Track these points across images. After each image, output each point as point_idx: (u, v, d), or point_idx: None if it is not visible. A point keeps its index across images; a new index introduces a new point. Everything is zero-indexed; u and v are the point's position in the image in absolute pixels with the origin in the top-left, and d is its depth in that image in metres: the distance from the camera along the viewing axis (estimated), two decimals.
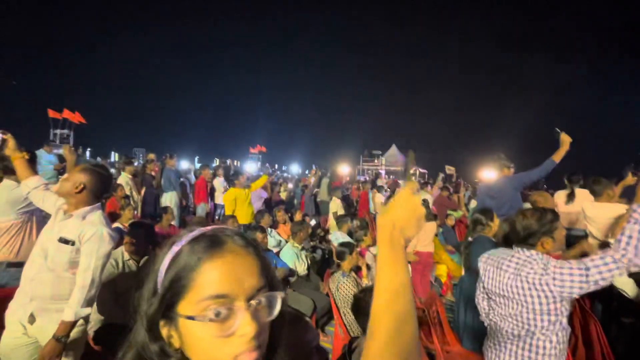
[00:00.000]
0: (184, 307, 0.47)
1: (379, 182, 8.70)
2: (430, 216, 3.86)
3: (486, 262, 1.82)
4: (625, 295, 2.46)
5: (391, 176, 16.62)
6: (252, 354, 0.46)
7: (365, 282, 3.00)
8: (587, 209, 2.86)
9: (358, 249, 3.67)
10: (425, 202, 3.99)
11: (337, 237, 4.26)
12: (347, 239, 3.99)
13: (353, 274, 2.89)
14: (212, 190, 6.64)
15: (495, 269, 1.72)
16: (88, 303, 1.60)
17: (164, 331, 0.50)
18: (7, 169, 2.39)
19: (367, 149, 24.14)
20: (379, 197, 7.39)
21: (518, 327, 1.57)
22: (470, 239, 2.90)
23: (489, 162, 3.25)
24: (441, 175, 6.96)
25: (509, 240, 1.98)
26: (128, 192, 5.52)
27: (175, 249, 0.51)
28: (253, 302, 0.48)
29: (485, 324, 1.88)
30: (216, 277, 0.47)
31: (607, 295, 2.89)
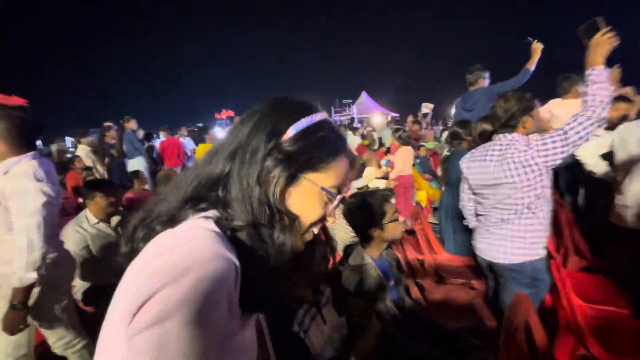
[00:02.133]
0: (316, 178, 0.55)
1: (354, 125, 8.60)
2: (406, 142, 3.88)
3: (468, 161, 1.84)
4: (594, 175, 2.62)
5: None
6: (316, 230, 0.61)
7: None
8: (554, 107, 2.93)
9: None
10: (397, 130, 3.99)
11: None
12: None
13: None
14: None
15: (479, 163, 1.74)
16: (33, 267, 1.41)
17: (272, 179, 0.53)
18: None
19: (337, 99, 23.73)
20: (355, 139, 7.35)
21: (507, 211, 1.64)
22: (447, 153, 2.94)
23: (466, 74, 3.17)
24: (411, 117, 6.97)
25: (486, 135, 1.99)
26: (90, 164, 5.15)
27: (316, 118, 0.57)
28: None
29: (472, 225, 1.95)
30: (341, 173, 0.58)
31: (575, 187, 3.10)
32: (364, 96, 22.96)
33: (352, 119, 10.37)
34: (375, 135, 8.31)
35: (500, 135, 1.66)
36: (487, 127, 2.04)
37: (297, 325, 0.98)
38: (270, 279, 0.51)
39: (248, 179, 0.52)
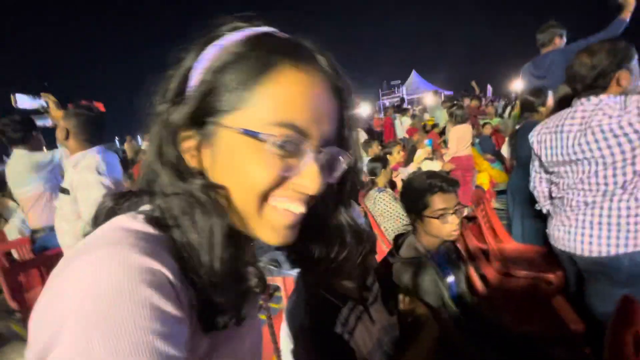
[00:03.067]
0: (234, 120, 0.36)
1: (404, 106, 8.13)
2: (462, 118, 3.47)
3: (540, 134, 1.54)
4: None
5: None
6: (301, 207, 0.39)
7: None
8: None
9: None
10: (458, 104, 3.58)
11: (364, 161, 4.05)
12: None
13: (389, 189, 2.71)
14: None
15: (554, 135, 1.44)
16: None
17: (186, 145, 0.38)
18: (11, 140, 2.34)
19: (385, 80, 22.79)
20: (405, 120, 6.94)
21: (592, 192, 1.33)
22: (517, 127, 2.55)
23: (537, 34, 2.65)
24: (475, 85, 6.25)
25: (567, 101, 1.65)
26: None
27: (225, 42, 0.37)
28: (323, 152, 0.39)
29: (545, 210, 1.66)
30: (295, 96, 0.36)
31: None
32: (413, 75, 21.76)
33: (402, 100, 9.82)
34: (427, 116, 7.76)
35: (583, 99, 1.34)
36: (569, 91, 1.68)
37: (341, 325, 0.87)
38: (212, 282, 0.35)
39: (148, 153, 0.40)
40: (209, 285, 0.35)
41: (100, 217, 0.40)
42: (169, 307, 0.30)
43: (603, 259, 1.33)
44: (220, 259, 0.35)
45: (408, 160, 4.39)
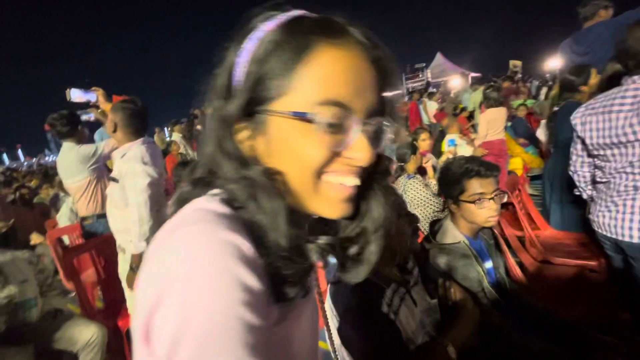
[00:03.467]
0: (282, 105, 0.38)
1: (430, 90, 7.87)
2: (497, 101, 3.32)
3: (584, 114, 1.47)
4: None
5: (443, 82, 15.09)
6: (355, 179, 0.41)
7: (433, 182, 2.78)
8: None
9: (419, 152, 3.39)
10: (494, 86, 3.42)
11: (392, 147, 3.98)
12: None
13: (419, 175, 2.67)
14: None
15: (601, 116, 1.37)
16: (144, 237, 1.64)
17: (241, 135, 0.41)
18: (61, 134, 2.50)
19: (408, 64, 22.03)
20: (431, 105, 6.74)
21: None
22: (555, 108, 2.42)
23: (579, 7, 2.45)
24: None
25: (617, 80, 1.55)
26: (182, 150, 5.78)
27: (261, 33, 0.39)
28: (368, 123, 0.40)
29: (586, 195, 1.59)
30: (335, 73, 0.37)
31: None
32: (439, 57, 20.83)
33: (428, 84, 9.50)
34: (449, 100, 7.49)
35: (636, 77, 1.26)
36: (620, 69, 1.57)
37: (387, 306, 0.89)
38: (281, 257, 0.38)
39: (209, 146, 0.42)
40: (278, 259, 0.38)
41: (181, 200, 0.42)
42: (253, 278, 0.33)
43: None
44: (285, 237, 0.38)
45: (436, 146, 4.28)
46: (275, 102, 0.38)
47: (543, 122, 3.59)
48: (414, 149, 2.68)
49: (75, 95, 2.19)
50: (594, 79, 2.12)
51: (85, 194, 2.58)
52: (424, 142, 3.30)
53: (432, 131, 5.04)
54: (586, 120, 1.45)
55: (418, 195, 2.53)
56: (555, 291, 1.68)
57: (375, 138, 0.41)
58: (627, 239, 1.35)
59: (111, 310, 2.11)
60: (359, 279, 0.46)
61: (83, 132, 2.64)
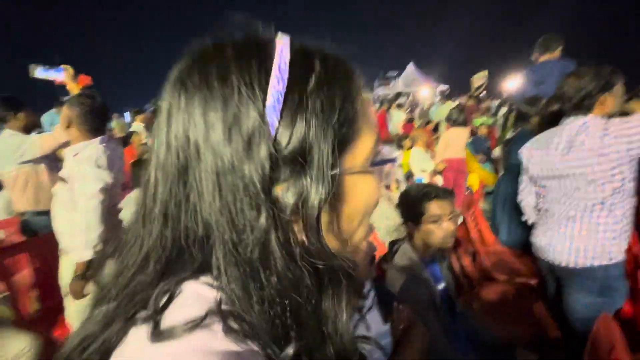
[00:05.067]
0: (350, 159, 0.33)
1: (399, 101, 8.13)
2: (460, 121, 3.51)
3: (530, 147, 1.60)
4: None
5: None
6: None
7: (396, 192, 2.87)
8: None
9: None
10: (459, 107, 3.61)
11: None
12: None
13: (382, 188, 2.75)
14: None
15: (542, 151, 1.50)
16: (91, 245, 1.51)
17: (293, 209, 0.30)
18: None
19: (382, 71, 22.56)
20: (399, 115, 6.95)
21: (574, 206, 1.40)
22: (509, 135, 2.60)
23: (538, 42, 2.69)
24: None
25: (555, 118, 1.71)
26: (145, 140, 5.45)
27: (281, 73, 0.30)
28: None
29: (531, 220, 1.73)
30: (373, 117, 0.37)
31: None
32: (411, 67, 21.54)
33: (398, 94, 9.80)
34: (417, 112, 7.79)
35: (572, 118, 1.40)
36: (557, 108, 1.73)
37: None
38: None
39: (245, 228, 0.29)
40: None
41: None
42: None
43: (580, 270, 1.41)
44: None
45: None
46: (348, 156, 0.33)
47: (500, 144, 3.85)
48: None
49: (40, 72, 2.00)
50: (543, 111, 2.32)
51: (18, 187, 2.34)
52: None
53: (399, 142, 5.19)
54: (531, 154, 1.58)
55: (380, 208, 2.60)
56: (500, 309, 1.80)
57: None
58: (556, 262, 1.48)
59: (47, 318, 1.94)
60: None
61: (25, 118, 2.38)
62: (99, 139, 1.67)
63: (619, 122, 1.27)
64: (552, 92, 2.41)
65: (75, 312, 1.71)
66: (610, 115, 1.33)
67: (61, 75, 2.05)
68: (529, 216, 1.74)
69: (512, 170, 2.41)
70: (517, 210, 2.30)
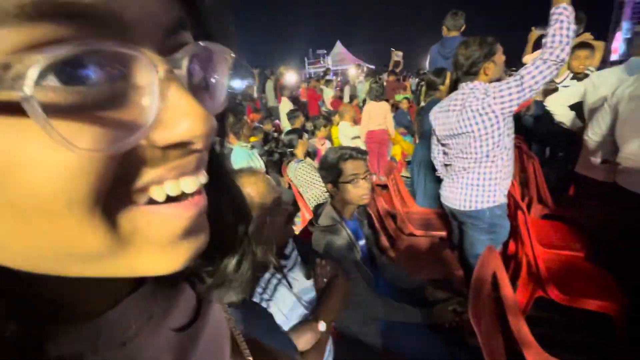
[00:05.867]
0: None
1: (327, 78, 8.24)
2: (381, 96, 3.72)
3: (435, 111, 1.80)
4: (563, 126, 2.65)
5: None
6: (199, 176, 0.21)
7: None
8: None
9: (316, 138, 3.54)
10: (378, 81, 3.80)
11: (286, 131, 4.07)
12: None
13: (308, 159, 2.80)
14: None
15: (444, 113, 1.69)
16: None
17: None
18: None
19: (311, 49, 22.52)
20: (328, 92, 7.07)
21: (467, 159, 1.63)
22: (422, 104, 2.85)
23: (446, 19, 2.93)
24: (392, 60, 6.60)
25: (454, 84, 1.93)
26: None
27: None
28: (176, 59, 0.19)
29: (442, 175, 1.94)
30: None
31: (544, 137, 3.16)
32: (339, 46, 21.91)
33: (327, 70, 9.91)
34: (346, 89, 8.03)
35: (463, 84, 1.61)
36: (455, 76, 1.95)
37: (261, 290, 0.92)
38: None
39: None
40: None
41: None
42: None
43: (472, 212, 1.68)
44: None
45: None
46: None
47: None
48: (300, 134, 2.79)
49: None
50: (448, 80, 2.58)
51: None
52: (323, 130, 3.49)
53: (329, 117, 5.31)
54: (436, 116, 1.77)
55: (307, 178, 2.65)
56: (415, 258, 2.03)
57: (200, 83, 0.21)
58: (456, 207, 1.73)
59: None
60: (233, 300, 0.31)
61: None
62: None
63: (496, 85, 1.48)
64: None
65: None
66: (492, 80, 1.54)
67: None
68: (440, 172, 1.96)
69: (425, 136, 2.65)
70: (430, 173, 2.57)
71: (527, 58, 2.74)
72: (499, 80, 1.55)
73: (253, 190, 0.91)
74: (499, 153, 1.56)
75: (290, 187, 2.99)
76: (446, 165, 1.83)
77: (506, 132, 1.53)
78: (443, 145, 1.80)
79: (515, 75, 1.43)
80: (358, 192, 1.32)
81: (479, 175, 1.61)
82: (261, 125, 5.10)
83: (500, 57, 1.54)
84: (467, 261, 1.78)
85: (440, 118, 1.72)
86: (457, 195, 1.70)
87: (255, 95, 7.62)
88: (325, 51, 22.55)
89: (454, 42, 2.96)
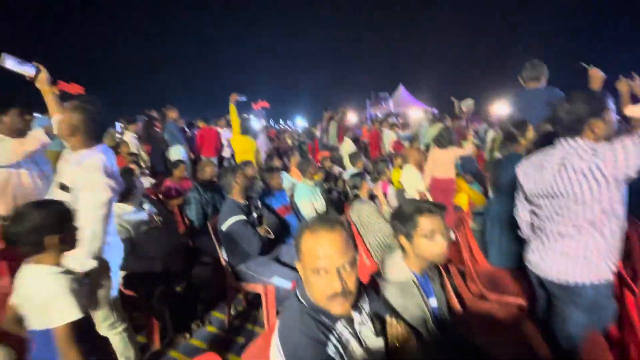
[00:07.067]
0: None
1: (390, 121, 8.32)
2: (449, 142, 3.61)
3: (524, 166, 1.66)
4: None
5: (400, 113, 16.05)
6: None
7: (385, 208, 2.90)
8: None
9: (380, 183, 3.54)
10: (446, 129, 3.72)
11: (350, 172, 4.12)
12: None
13: (370, 201, 2.78)
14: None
15: (536, 169, 1.56)
16: (93, 255, 1.50)
17: None
18: None
19: (373, 92, 23.19)
20: (391, 135, 7.09)
21: (565, 224, 1.44)
22: (499, 156, 2.69)
23: (523, 70, 2.83)
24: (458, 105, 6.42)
25: (547, 139, 1.78)
26: (135, 151, 5.41)
27: None
28: None
29: (526, 236, 1.77)
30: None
31: None
32: (401, 89, 22.22)
33: (389, 114, 10.07)
34: (409, 131, 7.98)
35: (562, 140, 1.47)
36: (549, 130, 1.81)
37: (335, 342, 0.90)
38: None
39: None
40: None
41: None
42: None
43: (570, 286, 1.44)
44: None
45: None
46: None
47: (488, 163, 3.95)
48: (362, 176, 2.86)
49: (9, 62, 1.82)
50: (530, 133, 2.42)
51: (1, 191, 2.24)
52: (388, 171, 3.52)
53: (392, 159, 5.29)
54: (525, 172, 1.64)
55: (370, 221, 2.63)
56: (490, 326, 1.80)
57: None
58: (549, 277, 1.52)
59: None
60: None
61: (11, 121, 2.30)
62: (101, 146, 1.65)
63: (606, 145, 1.32)
64: (537, 117, 2.55)
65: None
66: (600, 139, 1.39)
67: (32, 71, 1.91)
68: (524, 231, 1.78)
69: (502, 191, 2.48)
70: (508, 231, 2.35)
71: (630, 110, 2.46)
72: (607, 138, 1.40)
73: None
74: (607, 221, 1.37)
75: (349, 225, 2.99)
76: (533, 225, 1.66)
77: (617, 199, 1.35)
78: (532, 204, 1.65)
79: (633, 135, 1.28)
80: (435, 249, 1.25)
81: (580, 245, 1.41)
82: (323, 165, 5.26)
83: (609, 115, 1.39)
84: (558, 340, 1.53)
85: (531, 175, 1.58)
86: (551, 263, 1.50)
87: (318, 134, 7.98)
88: (387, 93, 23.01)
89: (532, 94, 2.83)
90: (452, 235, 2.39)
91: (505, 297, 2.03)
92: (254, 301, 2.84)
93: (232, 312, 2.72)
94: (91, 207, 1.48)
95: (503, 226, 2.42)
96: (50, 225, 1.20)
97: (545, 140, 1.85)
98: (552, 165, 1.47)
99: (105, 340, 1.80)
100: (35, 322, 1.20)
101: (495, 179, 2.57)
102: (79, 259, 1.46)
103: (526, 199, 1.68)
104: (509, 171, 2.37)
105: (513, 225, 1.87)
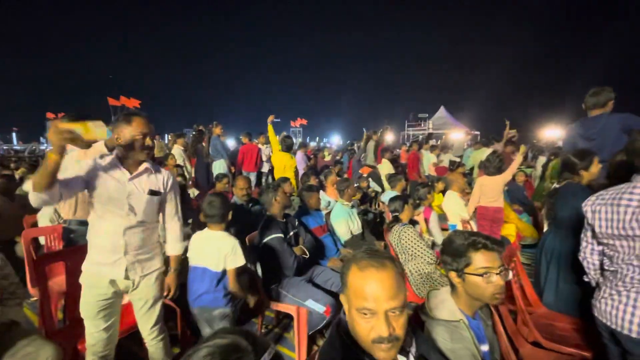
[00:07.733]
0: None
1: (430, 142, 8.08)
2: (498, 169, 3.38)
3: (595, 204, 1.48)
4: None
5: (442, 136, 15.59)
6: None
7: (425, 237, 2.76)
8: None
9: (421, 208, 3.40)
10: (494, 153, 3.50)
11: (389, 195, 4.00)
12: None
13: (411, 225, 2.66)
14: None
15: (610, 207, 1.39)
16: (183, 244, 1.89)
17: None
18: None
19: (412, 112, 22.90)
20: (430, 157, 6.87)
21: None
22: (555, 186, 2.46)
23: (589, 95, 2.62)
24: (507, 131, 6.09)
25: (622, 173, 1.60)
26: (181, 163, 5.74)
27: None
28: None
29: (594, 281, 1.57)
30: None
31: None
32: (442, 111, 21.74)
33: (429, 135, 9.80)
34: (449, 155, 7.69)
35: None
36: (626, 163, 1.62)
37: None
38: None
39: None
40: None
41: None
42: None
43: None
44: None
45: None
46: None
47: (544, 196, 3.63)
48: (405, 199, 2.74)
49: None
50: (595, 166, 2.20)
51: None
52: (430, 196, 3.38)
53: (432, 182, 5.09)
54: (596, 209, 1.47)
55: (411, 245, 2.50)
56: None
57: None
58: (626, 331, 1.32)
59: (73, 330, 1.94)
60: None
61: None
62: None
63: None
64: (607, 149, 2.32)
65: (94, 329, 1.69)
66: None
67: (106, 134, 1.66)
68: (593, 277, 1.59)
69: (559, 225, 2.25)
70: (567, 272, 2.11)
71: None
72: None
73: None
74: None
75: (386, 247, 2.87)
76: (605, 270, 1.47)
77: None
78: (603, 245, 1.47)
79: None
80: (490, 289, 1.13)
81: None
82: (360, 185, 5.20)
83: None
84: None
85: (604, 212, 1.42)
86: (626, 314, 1.32)
87: (356, 152, 7.95)
88: (427, 115, 22.62)
89: (600, 122, 2.59)
90: (510, 275, 2.19)
91: (565, 347, 1.79)
92: (283, 320, 2.79)
93: (262, 329, 2.69)
94: (178, 204, 1.88)
95: (561, 266, 2.18)
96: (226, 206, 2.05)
97: (620, 173, 1.65)
98: (631, 203, 1.30)
99: (136, 350, 1.85)
100: (222, 264, 1.98)
101: (553, 211, 2.35)
102: (178, 242, 1.90)
103: (596, 239, 1.50)
104: (571, 203, 2.16)
105: (574, 266, 1.68)
